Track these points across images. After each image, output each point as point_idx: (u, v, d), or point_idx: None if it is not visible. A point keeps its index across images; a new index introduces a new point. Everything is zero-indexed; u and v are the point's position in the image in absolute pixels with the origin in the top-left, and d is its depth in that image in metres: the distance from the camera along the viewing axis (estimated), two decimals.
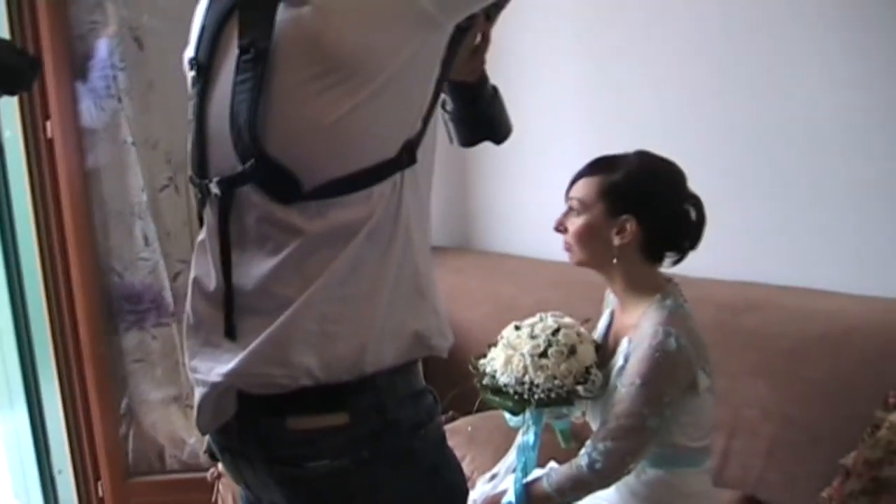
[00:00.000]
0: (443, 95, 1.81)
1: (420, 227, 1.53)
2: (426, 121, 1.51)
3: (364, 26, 1.39)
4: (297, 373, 1.46)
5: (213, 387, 1.54)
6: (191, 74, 1.58)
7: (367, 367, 1.48)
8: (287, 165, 1.42)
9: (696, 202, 2.27)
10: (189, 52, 1.59)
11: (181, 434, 4.10)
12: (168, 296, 3.93)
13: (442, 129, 1.59)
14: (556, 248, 2.33)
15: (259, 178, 1.45)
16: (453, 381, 2.64)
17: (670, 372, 2.12)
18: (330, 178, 1.42)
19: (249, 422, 1.54)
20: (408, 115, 1.47)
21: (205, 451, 1.74)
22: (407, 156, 1.47)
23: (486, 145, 1.92)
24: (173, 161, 3.87)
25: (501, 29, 1.78)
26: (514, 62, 2.39)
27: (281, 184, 1.43)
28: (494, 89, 1.86)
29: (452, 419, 3.09)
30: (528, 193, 3.73)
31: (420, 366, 1.60)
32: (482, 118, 1.86)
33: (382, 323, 1.49)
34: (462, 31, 1.58)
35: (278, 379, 1.47)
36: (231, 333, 1.52)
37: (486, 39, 1.76)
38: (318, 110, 1.39)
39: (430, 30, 1.44)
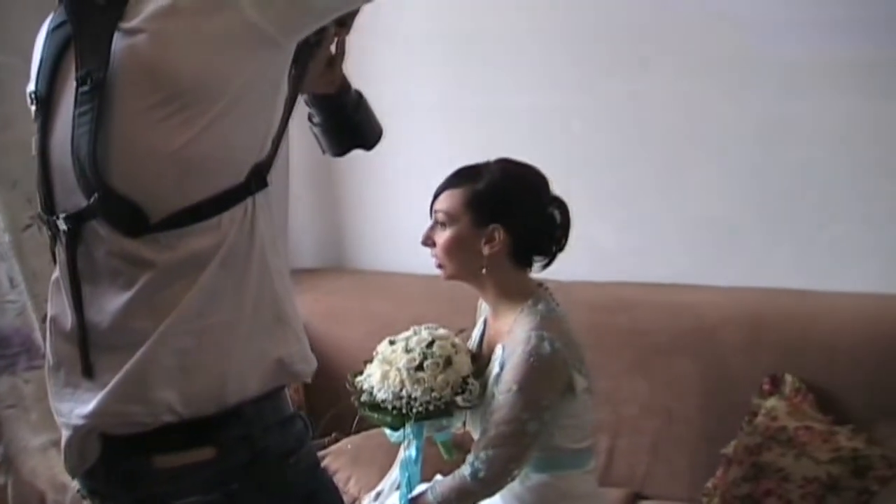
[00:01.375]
0: (308, 109, 1.80)
1: (276, 251, 1.50)
2: (276, 142, 1.47)
3: (201, 51, 1.35)
4: (158, 409, 1.42)
5: (76, 430, 1.49)
6: (32, 108, 1.53)
7: (231, 398, 1.45)
8: (132, 198, 1.38)
9: (561, 205, 2.29)
10: (30, 86, 1.54)
11: (62, 479, 3.97)
12: (38, 338, 3.80)
13: (297, 149, 1.56)
14: (428, 262, 2.32)
15: (105, 212, 1.40)
16: (334, 401, 2.61)
17: (546, 376, 2.12)
18: (176, 209, 1.38)
19: (115, 463, 1.49)
20: (254, 139, 1.44)
21: (77, 492, 1.68)
22: (256, 180, 1.44)
23: (355, 163, 1.89)
24: (34, 200, 3.75)
25: (364, 42, 1.76)
26: (377, 76, 2.37)
27: (127, 217, 1.39)
28: (359, 95, 1.83)
29: (335, 440, 3.05)
30: (397, 209, 3.71)
31: (287, 392, 1.57)
32: (349, 126, 1.83)
33: (242, 353, 1.46)
34: (312, 45, 1.56)
35: (139, 417, 1.42)
36: (89, 372, 1.47)
37: (341, 49, 1.73)
38: (160, 139, 1.35)
39: (270, 51, 1.41)
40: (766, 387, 2.85)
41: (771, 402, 2.79)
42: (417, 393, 2.17)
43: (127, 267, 1.42)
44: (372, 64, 2.91)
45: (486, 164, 2.28)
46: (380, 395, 2.21)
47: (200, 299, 1.41)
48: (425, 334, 2.28)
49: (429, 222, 2.30)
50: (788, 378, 2.82)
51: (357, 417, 2.33)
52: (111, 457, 1.49)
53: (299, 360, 1.55)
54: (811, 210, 3.05)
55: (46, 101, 1.49)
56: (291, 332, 1.54)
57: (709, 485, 2.83)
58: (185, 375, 1.42)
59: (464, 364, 2.25)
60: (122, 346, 1.43)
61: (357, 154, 1.88)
